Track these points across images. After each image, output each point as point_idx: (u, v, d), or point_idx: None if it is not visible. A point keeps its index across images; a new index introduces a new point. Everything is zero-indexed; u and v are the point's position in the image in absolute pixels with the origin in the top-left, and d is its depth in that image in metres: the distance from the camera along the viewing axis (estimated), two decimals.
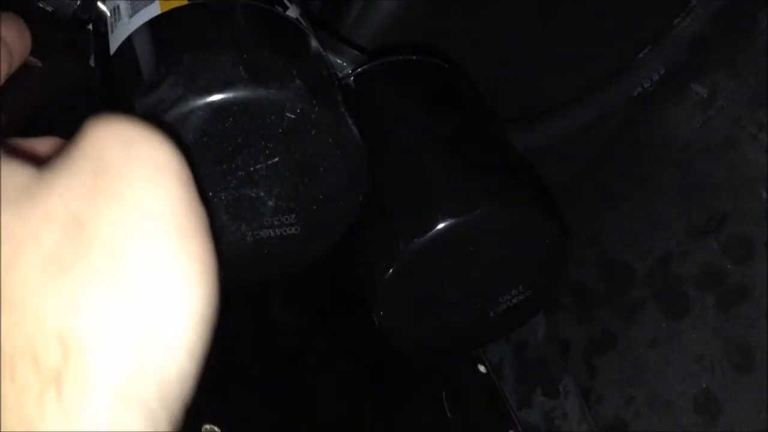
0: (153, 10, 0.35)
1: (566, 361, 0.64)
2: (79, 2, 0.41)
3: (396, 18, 0.60)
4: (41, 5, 0.41)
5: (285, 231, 0.35)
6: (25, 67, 0.50)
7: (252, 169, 0.33)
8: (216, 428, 0.37)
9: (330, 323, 0.49)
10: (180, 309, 0.20)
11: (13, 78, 0.50)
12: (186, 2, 0.34)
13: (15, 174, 0.21)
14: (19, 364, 0.18)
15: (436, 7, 0.60)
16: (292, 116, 0.32)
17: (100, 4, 0.40)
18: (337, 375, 0.48)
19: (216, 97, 0.30)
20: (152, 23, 0.34)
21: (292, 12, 0.37)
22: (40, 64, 0.48)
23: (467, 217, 0.39)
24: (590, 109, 0.61)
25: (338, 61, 0.49)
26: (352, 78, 0.48)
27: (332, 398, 0.45)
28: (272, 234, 0.35)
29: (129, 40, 0.34)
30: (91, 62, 0.45)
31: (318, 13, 0.63)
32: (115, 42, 0.35)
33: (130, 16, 0.35)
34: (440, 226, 0.39)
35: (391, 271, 0.40)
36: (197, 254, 0.21)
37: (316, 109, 0.32)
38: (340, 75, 0.48)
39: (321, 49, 0.37)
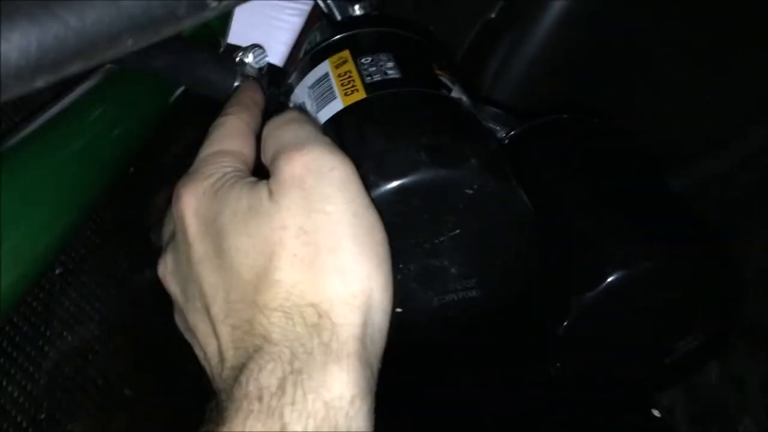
0: (337, 105, 0.39)
1: (743, 400, 0.62)
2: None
3: (530, 79, 0.63)
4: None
5: (467, 294, 0.39)
6: None
7: (436, 241, 0.36)
8: None
9: (505, 374, 0.51)
10: (377, 283, 0.30)
11: None
12: (364, 95, 0.39)
13: (257, 194, 0.31)
14: (294, 317, 0.29)
15: (571, 67, 0.62)
16: (470, 192, 0.35)
17: (284, 98, 0.45)
18: (512, 425, 0.50)
19: (402, 181, 0.34)
20: (338, 117, 0.38)
21: (456, 93, 0.41)
22: None
23: (636, 269, 0.41)
24: (748, 143, 0.60)
25: (490, 125, 0.52)
26: (506, 140, 0.51)
27: None
28: (456, 298, 0.38)
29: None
30: None
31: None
32: None
33: (317, 112, 0.40)
34: (610, 279, 0.41)
35: (565, 324, 0.42)
36: (380, 229, 0.31)
37: (491, 183, 0.35)
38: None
39: (486, 124, 0.41)
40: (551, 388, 0.45)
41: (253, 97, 0.41)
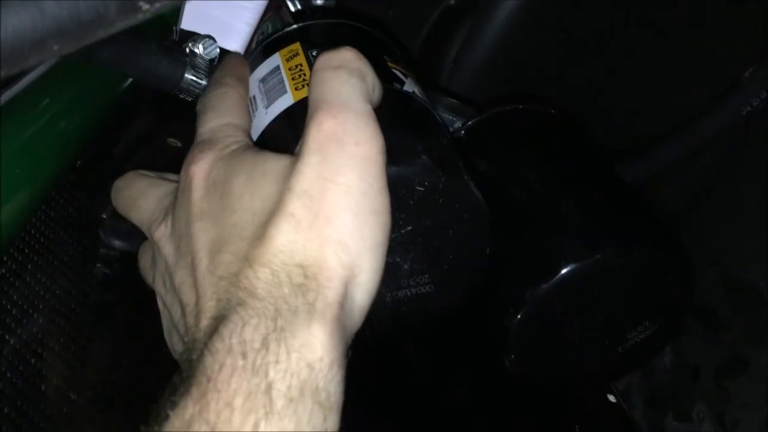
0: (287, 100, 0.38)
1: (697, 385, 0.63)
2: None
3: (489, 67, 0.63)
4: (181, 97, 0.46)
5: (420, 290, 0.38)
6: (167, 148, 0.55)
7: None
8: None
9: (461, 364, 0.51)
10: (368, 263, 0.30)
11: (155, 156, 0.55)
12: None
13: (277, 162, 0.32)
14: (281, 275, 0.29)
15: (529, 54, 0.62)
16: (421, 189, 0.35)
17: None
18: (472, 415, 0.50)
19: None
20: (288, 113, 0.38)
21: (409, 86, 0.41)
22: (179, 145, 0.54)
23: (590, 261, 0.41)
24: (700, 133, 0.61)
25: (447, 116, 0.52)
26: (462, 132, 0.50)
27: None
28: (409, 294, 0.38)
29: (269, 129, 0.38)
30: None
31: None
32: (255, 131, 0.39)
33: (267, 107, 0.39)
34: (564, 271, 0.41)
35: (519, 317, 0.42)
36: (385, 216, 0.31)
37: (443, 179, 0.35)
38: (451, 129, 0.51)
39: (439, 118, 0.40)
40: (507, 379, 0.45)
41: (244, 69, 0.42)
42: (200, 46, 0.45)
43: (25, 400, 0.34)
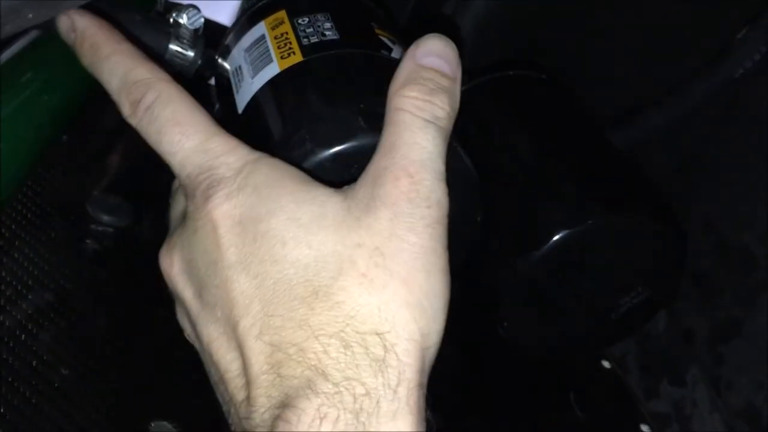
0: (273, 69, 0.38)
1: (691, 350, 0.64)
2: (200, 61, 0.45)
3: (480, 33, 0.62)
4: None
5: None
6: None
7: None
8: None
9: (454, 334, 0.51)
10: (439, 326, 0.28)
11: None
12: (301, 58, 0.38)
13: (327, 202, 0.28)
14: (354, 347, 0.25)
15: (519, 19, 0.61)
16: None
17: (220, 61, 0.44)
18: (467, 385, 0.50)
19: (339, 148, 0.33)
20: (274, 82, 0.37)
21: (397, 53, 0.40)
22: None
23: (580, 228, 0.41)
24: (692, 97, 0.61)
25: None
26: None
27: (462, 409, 0.48)
28: None
29: (255, 99, 0.38)
30: (215, 114, 0.49)
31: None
32: (241, 101, 0.39)
33: (252, 77, 0.39)
34: (555, 238, 0.41)
35: (510, 284, 0.42)
36: (449, 275, 0.28)
37: None
38: None
39: None
40: (500, 347, 0.45)
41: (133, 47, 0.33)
42: (184, 16, 0.45)
43: (16, 376, 0.34)
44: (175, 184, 0.36)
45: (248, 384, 0.26)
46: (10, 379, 0.34)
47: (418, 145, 0.29)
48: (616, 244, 0.42)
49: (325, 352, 0.25)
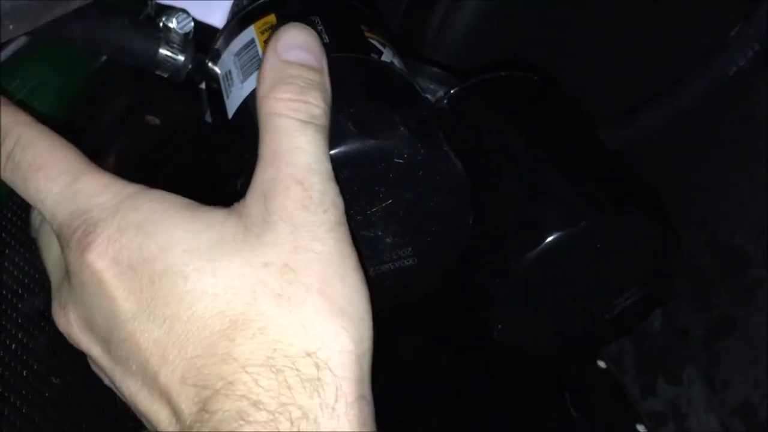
0: None
1: (687, 348, 0.64)
2: (191, 66, 0.45)
3: (473, 33, 0.62)
4: (157, 73, 0.45)
5: (403, 263, 0.38)
6: (145, 125, 0.55)
7: (368, 212, 0.35)
8: None
9: (449, 338, 0.51)
10: (369, 326, 0.27)
11: (134, 133, 0.54)
12: None
13: (222, 224, 0.27)
14: (285, 371, 0.24)
15: (513, 18, 0.61)
16: (400, 161, 0.34)
17: (211, 65, 0.44)
18: (461, 389, 0.50)
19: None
20: None
21: (387, 56, 0.40)
22: (158, 122, 0.53)
23: (573, 229, 0.40)
24: (687, 96, 0.60)
25: (430, 86, 0.51)
26: (445, 101, 0.50)
27: (459, 412, 0.48)
28: (391, 267, 0.38)
29: (244, 104, 0.38)
30: (207, 118, 0.49)
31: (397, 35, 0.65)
32: (231, 106, 0.39)
33: (242, 81, 0.39)
34: (548, 240, 0.40)
35: (503, 287, 0.42)
36: (365, 285, 0.28)
37: (422, 151, 0.34)
38: (433, 99, 0.50)
39: (418, 88, 0.40)
40: (494, 350, 0.45)
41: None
42: (174, 20, 0.44)
43: (5, 386, 0.34)
44: (34, 215, 0.32)
45: (182, 428, 0.25)
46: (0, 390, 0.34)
47: (301, 149, 0.28)
48: (609, 245, 0.42)
49: (255, 381, 0.24)
